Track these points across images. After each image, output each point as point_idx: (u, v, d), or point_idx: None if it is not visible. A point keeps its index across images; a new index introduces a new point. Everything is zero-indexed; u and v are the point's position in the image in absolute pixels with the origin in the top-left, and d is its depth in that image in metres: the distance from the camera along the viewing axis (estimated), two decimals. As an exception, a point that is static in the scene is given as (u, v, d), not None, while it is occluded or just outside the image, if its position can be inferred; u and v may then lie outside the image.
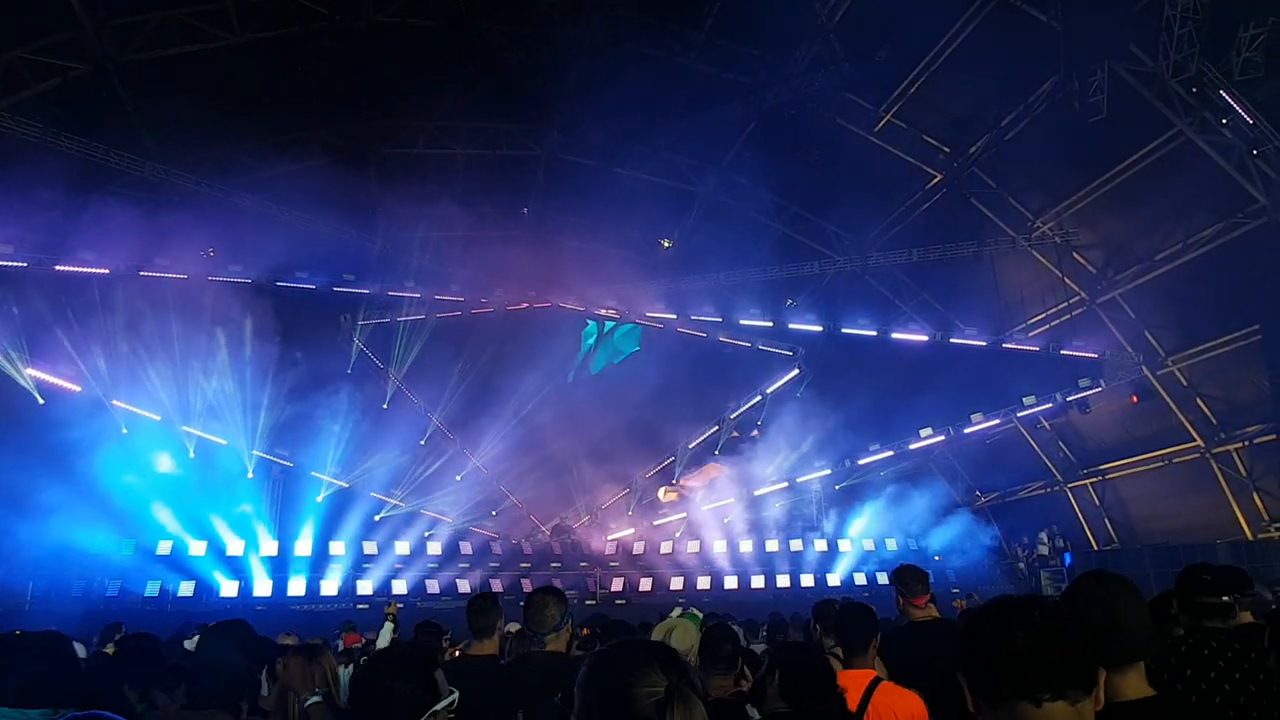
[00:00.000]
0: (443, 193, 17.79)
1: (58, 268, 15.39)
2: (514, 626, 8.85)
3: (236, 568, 16.40)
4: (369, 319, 18.58)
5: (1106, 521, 20.69)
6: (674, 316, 19.92)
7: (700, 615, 6.87)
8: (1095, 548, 20.59)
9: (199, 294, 16.87)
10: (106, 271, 15.81)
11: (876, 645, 4.10)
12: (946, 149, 17.82)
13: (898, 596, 5.02)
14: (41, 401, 15.81)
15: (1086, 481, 20.94)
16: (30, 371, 15.69)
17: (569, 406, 20.47)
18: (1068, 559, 19.57)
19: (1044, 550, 21.08)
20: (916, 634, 4.80)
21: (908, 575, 5.02)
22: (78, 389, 16.30)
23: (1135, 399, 18.49)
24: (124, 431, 16.77)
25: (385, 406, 19.40)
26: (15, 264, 15.00)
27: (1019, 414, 19.80)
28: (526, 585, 17.31)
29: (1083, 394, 18.56)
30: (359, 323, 18.48)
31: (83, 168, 14.68)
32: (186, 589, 15.55)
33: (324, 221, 17.32)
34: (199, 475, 17.51)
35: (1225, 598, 3.58)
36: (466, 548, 18.41)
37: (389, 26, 15.40)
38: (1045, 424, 20.66)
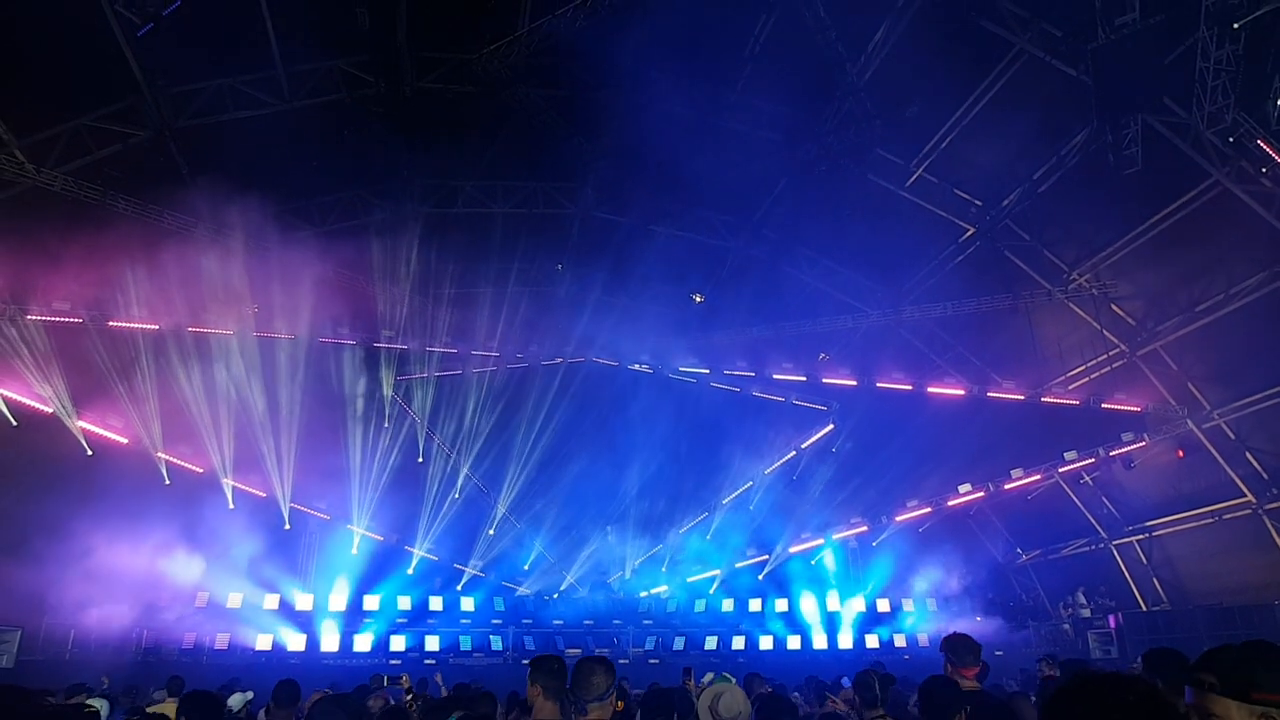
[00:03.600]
0: (480, 250, 18.21)
1: (110, 323, 15.93)
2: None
3: (271, 622, 16.43)
4: (407, 374, 18.89)
5: (1155, 580, 19.98)
6: (707, 371, 19.98)
7: (733, 679, 6.76)
8: (1144, 608, 19.83)
9: (244, 349, 17.30)
10: (157, 327, 16.32)
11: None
12: (979, 202, 17.82)
13: (946, 664, 4.96)
14: (90, 453, 16.19)
15: (1132, 539, 20.29)
16: (79, 423, 16.10)
17: (603, 460, 20.45)
18: (1111, 621, 18.87)
19: (1085, 612, 20.38)
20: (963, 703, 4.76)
21: (960, 645, 4.98)
22: (125, 441, 16.67)
23: (1181, 453, 18.06)
24: (167, 483, 17.09)
25: (420, 460, 19.54)
26: (72, 320, 15.57)
27: (1060, 469, 19.39)
28: (559, 643, 17.14)
29: (1126, 448, 18.18)
30: (397, 378, 18.79)
31: (138, 228, 15.25)
32: (222, 641, 15.61)
33: (365, 279, 17.78)
34: (237, 527, 17.66)
35: None
36: (499, 604, 18.29)
37: (432, 92, 15.99)
38: (1088, 479, 20.20)
